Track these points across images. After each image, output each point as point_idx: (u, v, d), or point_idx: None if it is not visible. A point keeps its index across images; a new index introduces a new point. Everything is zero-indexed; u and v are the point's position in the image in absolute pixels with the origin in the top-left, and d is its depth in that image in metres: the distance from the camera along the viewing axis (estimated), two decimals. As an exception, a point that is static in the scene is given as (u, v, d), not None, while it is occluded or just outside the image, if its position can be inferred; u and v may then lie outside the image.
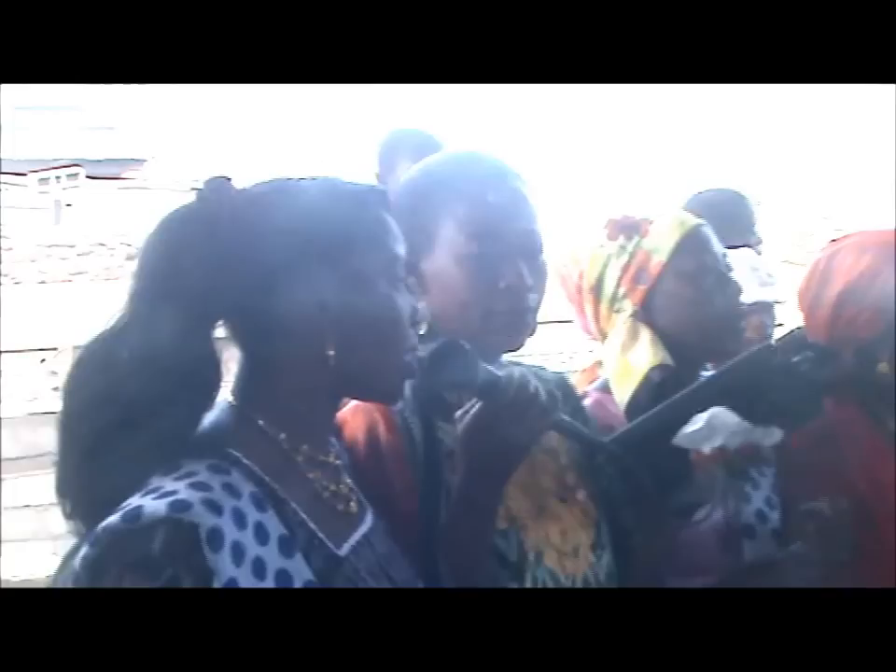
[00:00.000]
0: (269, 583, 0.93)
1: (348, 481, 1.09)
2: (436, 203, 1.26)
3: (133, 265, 1.01)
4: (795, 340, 1.49)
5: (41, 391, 6.79)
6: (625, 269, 1.54)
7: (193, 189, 1.05)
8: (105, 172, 13.64)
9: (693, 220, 1.57)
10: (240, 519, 0.93)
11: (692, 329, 1.52)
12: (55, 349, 7.06)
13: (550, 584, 1.22)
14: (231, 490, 0.94)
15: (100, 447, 0.95)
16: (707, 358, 1.58)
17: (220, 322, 1.03)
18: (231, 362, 1.04)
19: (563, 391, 1.31)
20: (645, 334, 1.51)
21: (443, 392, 1.22)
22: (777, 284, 2.08)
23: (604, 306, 1.56)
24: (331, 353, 1.01)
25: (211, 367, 1.00)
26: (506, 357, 1.29)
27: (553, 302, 1.43)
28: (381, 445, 1.19)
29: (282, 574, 0.94)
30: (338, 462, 1.09)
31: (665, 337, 1.51)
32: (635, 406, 1.45)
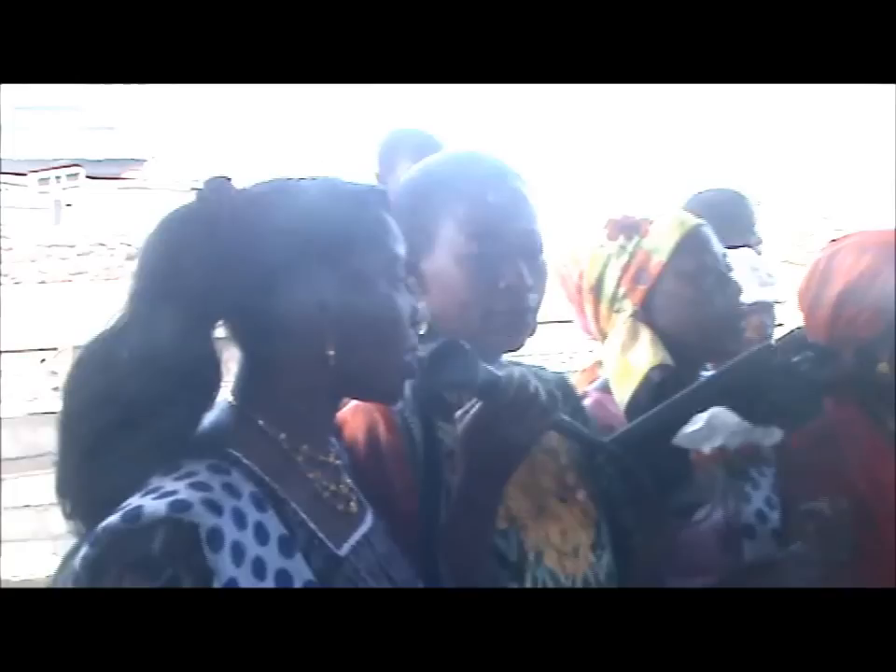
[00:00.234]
0: (269, 583, 0.93)
1: (348, 481, 1.09)
2: (436, 203, 1.26)
3: (133, 265, 1.01)
4: (795, 340, 1.49)
5: (41, 391, 6.79)
6: (625, 269, 1.54)
7: (193, 189, 1.05)
8: (105, 172, 13.64)
9: (692, 220, 1.57)
10: (240, 519, 0.93)
11: (692, 329, 1.52)
12: (55, 349, 7.06)
13: (550, 584, 1.22)
14: (231, 490, 0.94)
15: (100, 447, 0.95)
16: (707, 358, 1.58)
17: (220, 322, 1.03)
18: (231, 362, 1.04)
19: (563, 391, 1.31)
20: (645, 334, 1.51)
21: (443, 392, 1.22)
22: (777, 284, 2.08)
23: (604, 306, 1.56)
24: (331, 353, 1.01)
25: (211, 367, 1.00)
26: (506, 357, 1.29)
27: (553, 302, 1.43)
28: (381, 445, 1.19)
29: (282, 574, 0.94)
30: (338, 462, 1.09)
31: (664, 337, 1.51)
32: (635, 406, 1.45)
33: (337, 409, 1.13)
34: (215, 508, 0.91)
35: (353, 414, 1.21)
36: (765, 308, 2.05)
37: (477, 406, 1.14)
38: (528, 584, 1.20)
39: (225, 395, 1.04)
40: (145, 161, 16.26)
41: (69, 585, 0.92)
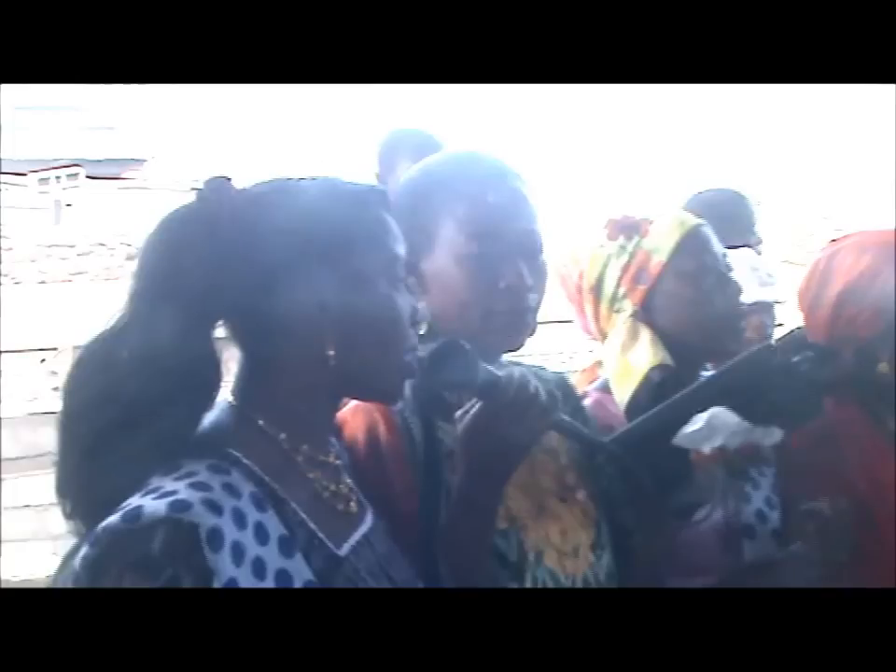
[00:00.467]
0: (269, 583, 0.93)
1: (348, 481, 1.09)
2: (436, 203, 1.26)
3: (133, 265, 1.01)
4: (795, 340, 1.49)
5: (41, 391, 6.80)
6: (625, 269, 1.54)
7: (193, 189, 1.05)
8: (105, 172, 13.64)
9: (693, 220, 1.57)
10: (240, 519, 0.93)
11: (692, 329, 1.52)
12: (55, 349, 7.06)
13: (550, 584, 1.22)
14: (231, 490, 0.94)
15: (100, 447, 0.95)
16: (706, 358, 1.58)
17: (220, 322, 1.03)
18: (231, 362, 1.04)
19: (563, 391, 1.31)
20: (645, 334, 1.51)
21: (443, 392, 1.22)
22: (777, 284, 2.08)
23: (604, 306, 1.56)
24: (331, 353, 1.01)
25: (211, 367, 1.00)
26: (506, 357, 1.29)
27: (553, 302, 1.43)
28: (381, 445, 1.19)
29: (282, 574, 0.94)
30: (338, 462, 1.09)
31: (664, 337, 1.51)
32: (635, 406, 1.45)
33: (337, 409, 1.13)
34: (215, 508, 0.91)
35: (353, 414, 1.21)
36: (765, 308, 2.05)
37: (477, 406, 1.14)
38: (528, 584, 1.20)
39: (225, 395, 1.04)
40: (145, 161, 16.26)
41: (69, 585, 0.92)
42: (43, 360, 7.21)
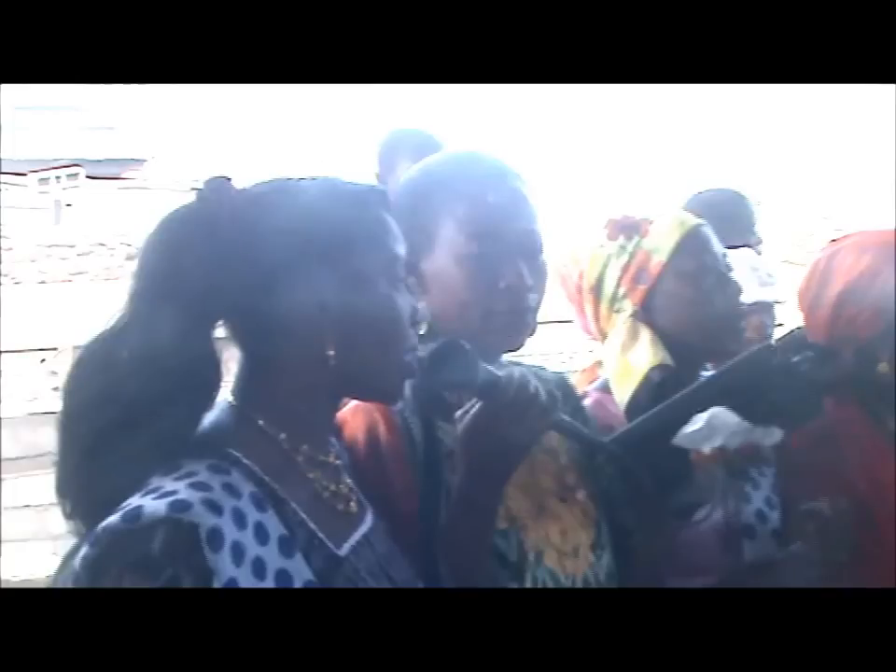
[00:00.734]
0: (269, 583, 0.92)
1: (348, 481, 1.09)
2: (436, 203, 1.26)
3: (133, 265, 1.01)
4: (795, 340, 1.49)
5: (41, 391, 6.79)
6: (625, 269, 1.54)
7: (193, 189, 1.05)
8: (105, 172, 13.64)
9: (692, 220, 1.57)
10: (240, 519, 0.93)
11: (692, 329, 1.52)
12: (55, 349, 7.05)
13: (550, 584, 1.22)
14: (231, 490, 0.94)
15: (100, 447, 0.95)
16: (706, 358, 1.58)
17: (220, 322, 1.03)
18: (231, 362, 1.04)
19: (563, 391, 1.31)
20: (645, 334, 1.51)
21: (443, 392, 1.22)
22: (777, 284, 2.08)
23: (604, 306, 1.56)
24: (331, 353, 1.01)
25: (211, 367, 1.00)
26: (506, 357, 1.29)
27: (553, 302, 1.43)
28: (381, 445, 1.19)
29: (282, 574, 0.94)
30: (338, 462, 1.09)
31: (664, 337, 1.51)
32: (635, 406, 1.45)
33: (337, 409, 1.13)
34: (215, 508, 0.91)
35: (353, 414, 1.21)
36: (765, 308, 2.05)
37: (477, 406, 1.14)
38: (528, 584, 1.20)
39: (225, 395, 1.04)
40: (145, 161, 16.26)
41: (69, 585, 0.92)
42: (43, 360, 7.21)
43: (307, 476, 1.03)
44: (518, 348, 1.27)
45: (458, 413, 1.16)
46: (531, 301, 1.25)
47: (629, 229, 1.55)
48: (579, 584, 1.24)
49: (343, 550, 1.02)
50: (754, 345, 1.51)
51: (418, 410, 1.21)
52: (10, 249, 10.45)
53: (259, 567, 0.92)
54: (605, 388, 1.54)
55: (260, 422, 1.02)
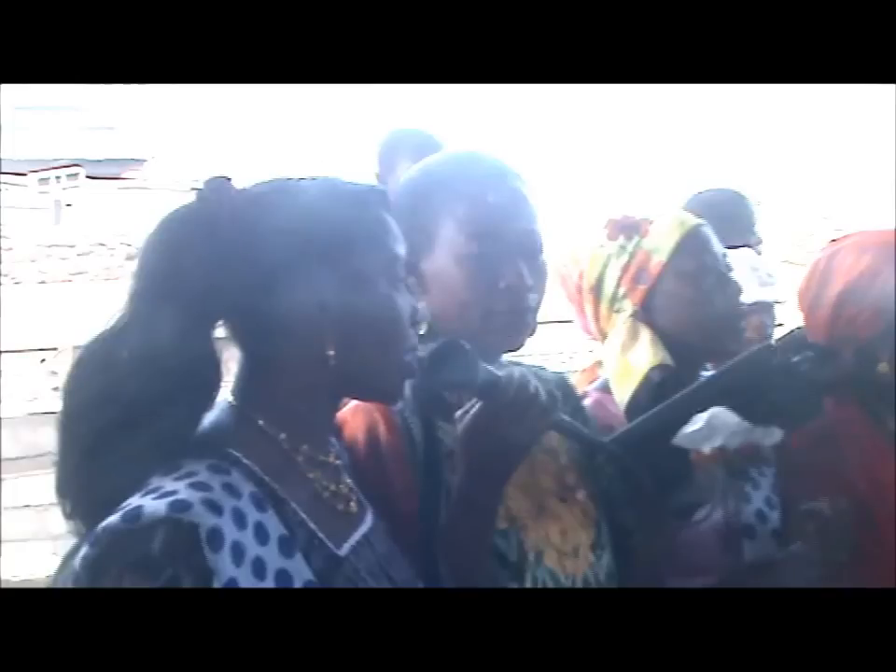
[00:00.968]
0: (269, 583, 0.92)
1: (348, 481, 1.09)
2: (436, 203, 1.26)
3: (133, 265, 1.01)
4: (795, 340, 1.49)
5: (41, 391, 6.79)
6: (625, 269, 1.54)
7: (193, 189, 1.05)
8: (105, 172, 13.64)
9: (693, 220, 1.57)
10: (240, 519, 0.93)
11: (692, 329, 1.52)
12: (55, 349, 7.05)
13: (550, 584, 1.22)
14: (231, 490, 0.94)
15: (100, 447, 0.95)
16: (706, 358, 1.58)
17: (220, 322, 1.03)
18: (231, 362, 1.04)
19: (563, 391, 1.31)
20: (645, 334, 1.51)
21: (443, 392, 1.22)
22: (777, 284, 2.08)
23: (604, 306, 1.56)
24: (331, 353, 1.01)
25: (211, 367, 1.00)
26: (506, 357, 1.29)
27: (553, 302, 1.43)
28: (381, 445, 1.19)
29: (282, 574, 0.94)
30: (338, 462, 1.09)
31: (664, 337, 1.51)
32: (635, 406, 1.45)
33: (337, 409, 1.13)
34: (215, 508, 0.91)
35: (353, 414, 1.21)
36: (765, 308, 2.05)
37: (477, 406, 1.14)
38: (528, 584, 1.20)
39: (225, 395, 1.04)
40: (145, 161, 16.27)
41: (69, 585, 0.92)
42: (43, 360, 7.20)
43: (307, 476, 1.03)
44: (518, 348, 1.27)
45: (458, 413, 1.16)
46: (531, 301, 1.25)
47: (629, 229, 1.55)
48: (579, 584, 1.24)
49: (343, 550, 1.02)
50: (754, 345, 1.51)
51: (418, 410, 1.21)
52: (10, 249, 10.45)
53: (259, 567, 0.92)
54: (605, 388, 1.54)
55: (260, 422, 1.02)
